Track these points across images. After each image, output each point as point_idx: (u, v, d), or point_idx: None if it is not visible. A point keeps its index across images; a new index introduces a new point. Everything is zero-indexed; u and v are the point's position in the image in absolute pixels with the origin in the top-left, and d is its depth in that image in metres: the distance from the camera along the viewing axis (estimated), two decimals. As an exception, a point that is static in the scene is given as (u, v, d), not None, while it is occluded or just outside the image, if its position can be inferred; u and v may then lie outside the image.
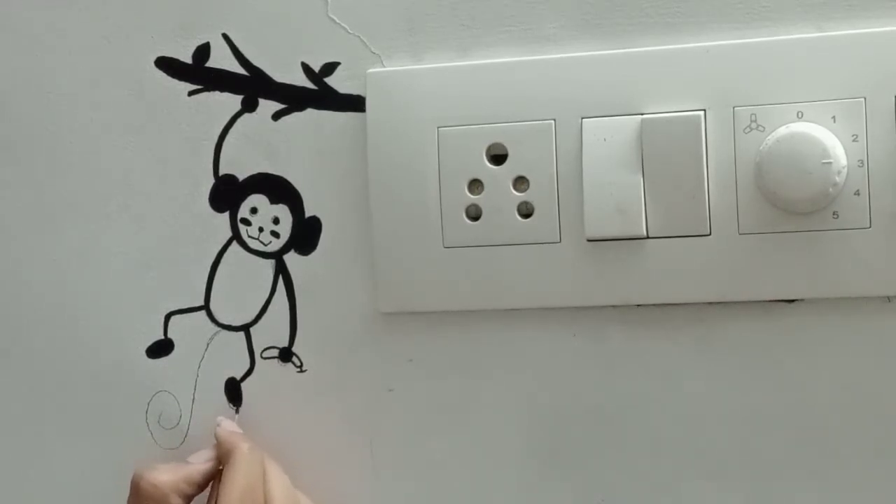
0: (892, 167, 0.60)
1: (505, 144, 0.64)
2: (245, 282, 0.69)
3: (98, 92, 0.71)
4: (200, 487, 0.66)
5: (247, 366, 0.70)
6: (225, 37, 0.69)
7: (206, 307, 0.70)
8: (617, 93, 0.63)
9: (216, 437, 0.67)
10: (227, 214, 0.70)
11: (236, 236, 0.70)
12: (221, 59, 0.69)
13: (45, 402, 0.73)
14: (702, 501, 0.64)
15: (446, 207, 0.65)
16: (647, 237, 0.63)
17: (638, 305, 0.64)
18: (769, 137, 0.60)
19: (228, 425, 0.68)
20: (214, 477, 0.67)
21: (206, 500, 0.67)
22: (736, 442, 0.64)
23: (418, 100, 0.66)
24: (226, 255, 0.70)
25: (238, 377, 0.70)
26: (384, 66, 0.67)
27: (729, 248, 0.62)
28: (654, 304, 0.64)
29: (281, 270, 0.69)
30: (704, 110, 0.62)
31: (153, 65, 0.70)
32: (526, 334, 0.66)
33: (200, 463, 0.67)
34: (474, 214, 0.65)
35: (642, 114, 0.62)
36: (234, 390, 0.70)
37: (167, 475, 0.65)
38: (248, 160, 0.69)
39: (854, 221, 0.60)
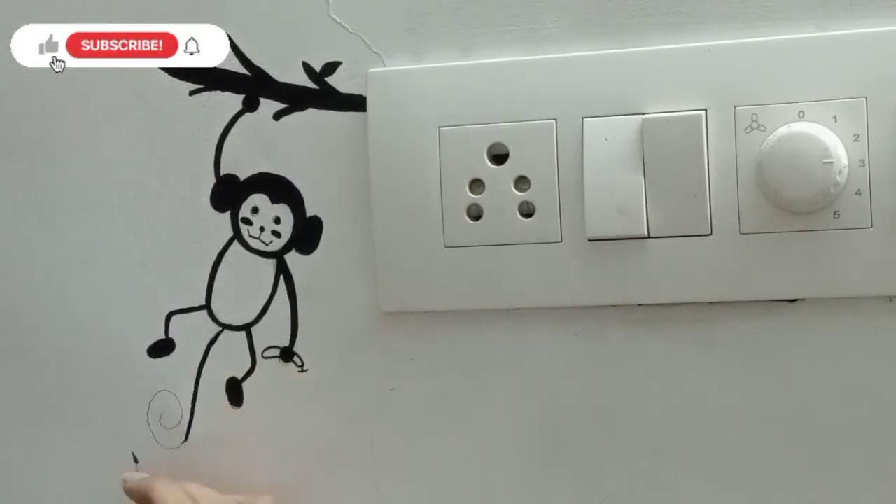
0: (894, 167, 0.60)
1: (506, 144, 0.65)
2: (246, 281, 0.69)
3: (99, 91, 0.71)
4: None
5: (248, 365, 0.70)
6: (226, 36, 0.69)
7: (207, 307, 0.70)
8: (618, 92, 0.63)
9: (128, 492, 0.68)
10: (228, 214, 0.70)
11: (237, 236, 0.70)
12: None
13: (46, 402, 0.73)
14: (702, 501, 0.64)
15: (447, 207, 0.65)
16: (649, 237, 0.63)
17: (639, 305, 0.64)
18: (770, 137, 0.60)
19: (134, 475, 0.69)
20: None
21: None
22: (736, 442, 0.64)
23: (419, 99, 0.66)
24: (227, 255, 0.70)
25: (239, 377, 0.70)
26: (385, 66, 0.67)
27: (730, 247, 0.62)
28: (655, 304, 0.64)
29: (282, 270, 0.69)
30: (705, 110, 0.62)
31: (154, 64, 0.70)
32: (527, 334, 0.66)
33: None
34: (475, 214, 0.65)
35: (643, 113, 0.63)
36: (235, 390, 0.70)
37: None
38: (250, 160, 0.69)
39: (855, 221, 0.60)
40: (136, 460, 0.71)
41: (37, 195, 0.72)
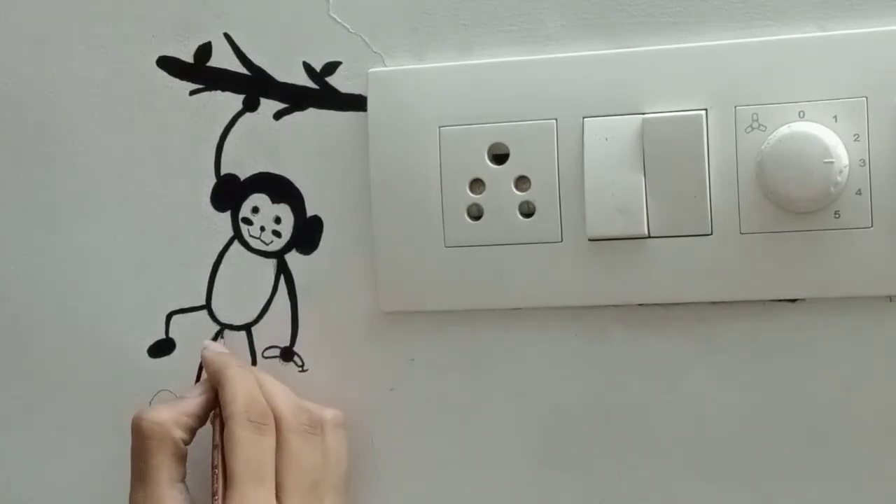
0: (894, 167, 0.60)
1: (506, 144, 0.65)
2: (246, 281, 0.69)
3: (99, 91, 0.71)
4: (201, 419, 0.66)
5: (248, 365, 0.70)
6: (226, 36, 0.69)
7: (207, 307, 0.70)
8: (618, 92, 0.63)
9: (203, 360, 0.67)
10: (228, 214, 0.70)
11: (238, 236, 0.70)
12: (223, 59, 0.69)
13: (46, 402, 0.73)
14: (702, 501, 0.64)
15: (448, 207, 0.65)
16: (649, 237, 0.63)
17: (639, 305, 0.64)
18: (771, 137, 0.60)
19: (215, 346, 0.69)
20: (213, 406, 0.67)
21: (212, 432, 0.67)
22: (736, 442, 0.64)
23: (420, 99, 0.66)
24: (227, 255, 0.70)
25: (239, 377, 0.70)
26: (385, 66, 0.67)
27: (730, 247, 0.62)
28: (655, 304, 0.64)
29: (282, 270, 0.69)
30: (706, 110, 0.62)
31: (154, 64, 0.70)
32: (527, 334, 0.66)
33: (196, 395, 0.66)
34: (476, 214, 0.65)
35: (644, 113, 0.63)
36: (235, 390, 0.70)
37: (166, 412, 0.65)
38: (250, 159, 0.69)
39: (856, 221, 0.60)
40: (221, 335, 0.70)
41: (37, 195, 0.72)
